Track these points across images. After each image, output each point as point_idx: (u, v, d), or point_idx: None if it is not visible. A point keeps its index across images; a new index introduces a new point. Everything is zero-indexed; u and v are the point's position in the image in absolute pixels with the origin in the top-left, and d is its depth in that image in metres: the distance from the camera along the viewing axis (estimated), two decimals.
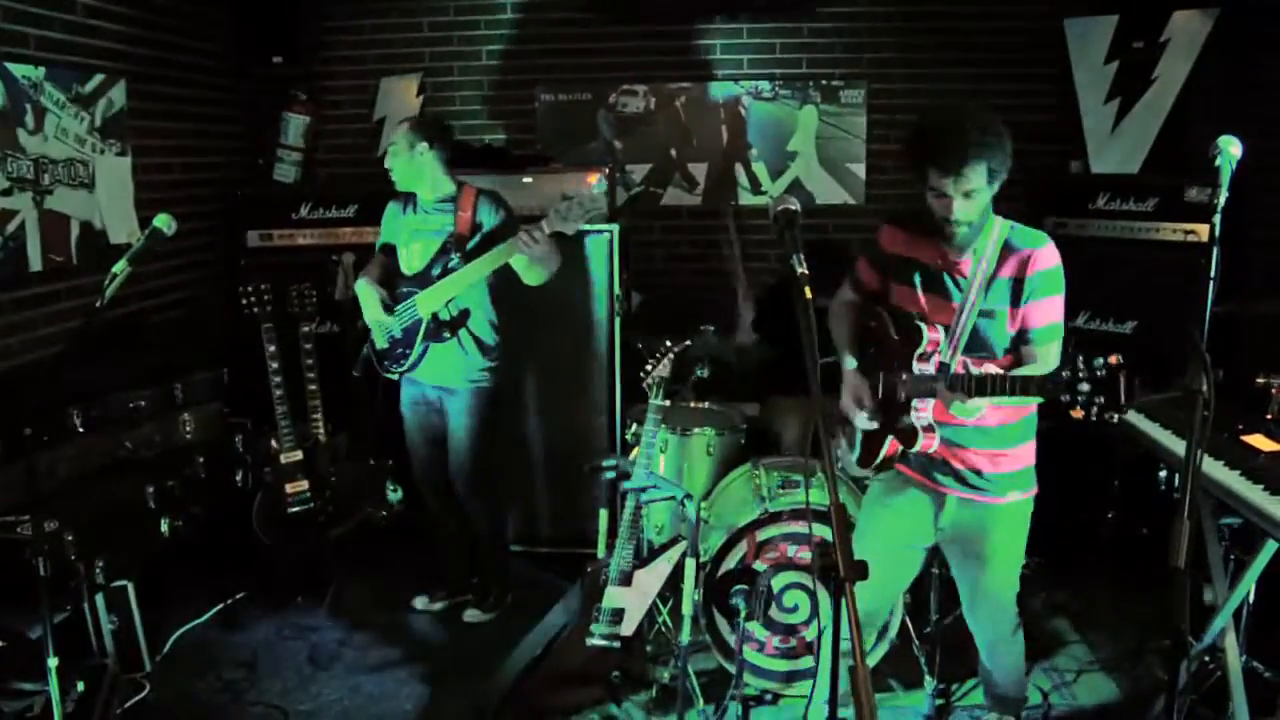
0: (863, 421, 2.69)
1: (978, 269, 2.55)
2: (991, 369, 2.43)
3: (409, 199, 3.85)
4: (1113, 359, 2.04)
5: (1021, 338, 2.57)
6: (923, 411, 2.56)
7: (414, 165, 3.71)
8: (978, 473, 2.66)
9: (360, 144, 5.56)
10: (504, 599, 4.13)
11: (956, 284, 2.60)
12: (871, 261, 2.83)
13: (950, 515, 2.72)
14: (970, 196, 2.44)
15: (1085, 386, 2.06)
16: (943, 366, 2.55)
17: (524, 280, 3.75)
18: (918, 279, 2.67)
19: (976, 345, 2.58)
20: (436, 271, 3.71)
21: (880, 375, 2.67)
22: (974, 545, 2.75)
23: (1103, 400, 2.05)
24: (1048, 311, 2.54)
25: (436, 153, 3.72)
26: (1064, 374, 2.10)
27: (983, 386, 2.32)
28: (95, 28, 4.24)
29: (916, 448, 2.56)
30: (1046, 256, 2.53)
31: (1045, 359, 2.53)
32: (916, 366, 2.55)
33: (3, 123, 3.73)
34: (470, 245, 3.71)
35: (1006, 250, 2.55)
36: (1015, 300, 2.54)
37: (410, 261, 3.82)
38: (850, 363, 2.78)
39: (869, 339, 2.79)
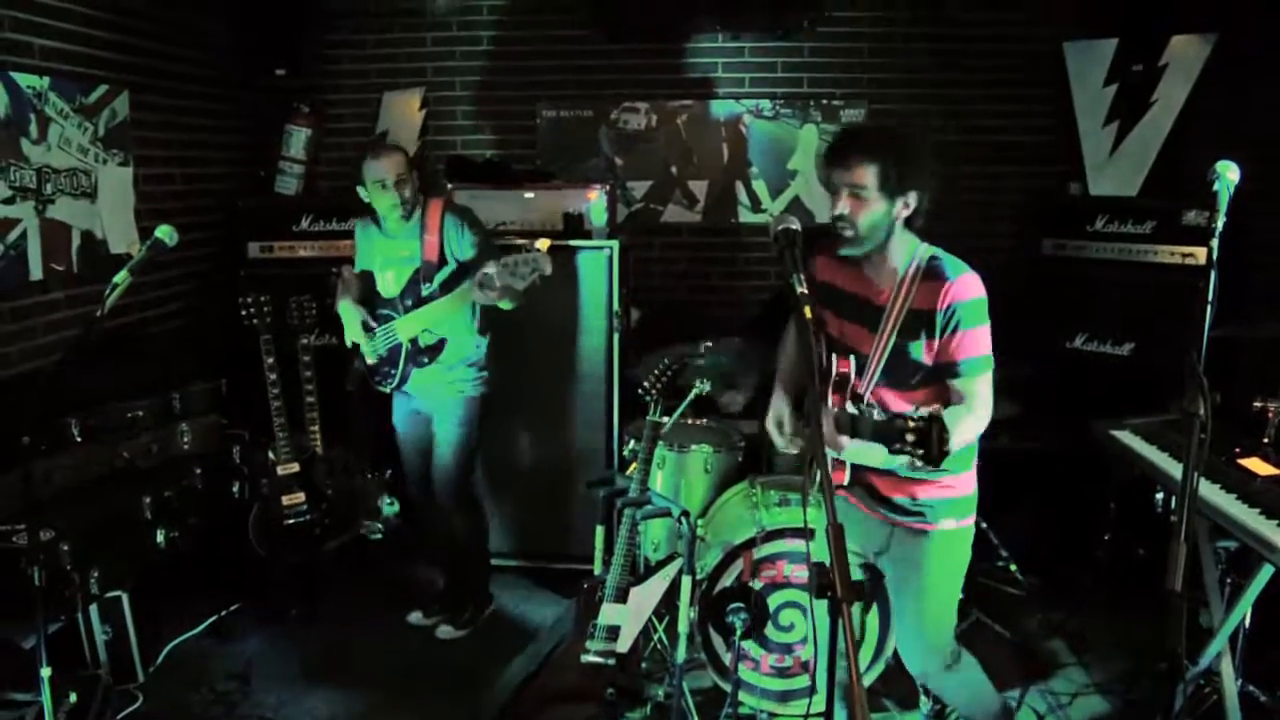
0: (781, 444, 2.73)
1: (896, 298, 2.51)
2: (876, 413, 2.37)
3: (376, 218, 3.83)
4: (934, 409, 2.03)
5: (947, 371, 2.49)
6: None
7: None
8: (912, 498, 2.62)
9: (362, 158, 5.56)
10: (479, 616, 4.12)
11: (875, 311, 2.56)
12: (809, 284, 2.83)
13: (891, 541, 2.69)
14: (859, 197, 2.43)
15: (910, 436, 2.02)
16: (856, 398, 2.55)
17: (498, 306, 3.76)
18: (841, 306, 2.66)
19: (891, 377, 2.56)
20: (410, 301, 3.72)
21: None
22: (906, 572, 2.70)
23: (920, 453, 2.01)
24: (969, 345, 2.45)
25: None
26: (896, 421, 2.05)
27: (854, 428, 2.33)
28: (99, 38, 4.26)
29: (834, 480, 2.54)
30: (962, 287, 2.44)
31: (970, 394, 2.46)
32: (831, 398, 2.54)
33: (6, 132, 3.74)
34: (441, 275, 3.71)
35: (925, 278, 2.49)
36: (930, 331, 2.47)
37: (385, 287, 3.83)
38: (775, 401, 2.80)
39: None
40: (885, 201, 2.44)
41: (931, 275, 2.48)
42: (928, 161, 2.46)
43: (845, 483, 2.58)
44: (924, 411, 2.01)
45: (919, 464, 2.05)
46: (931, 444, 1.97)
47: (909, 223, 2.53)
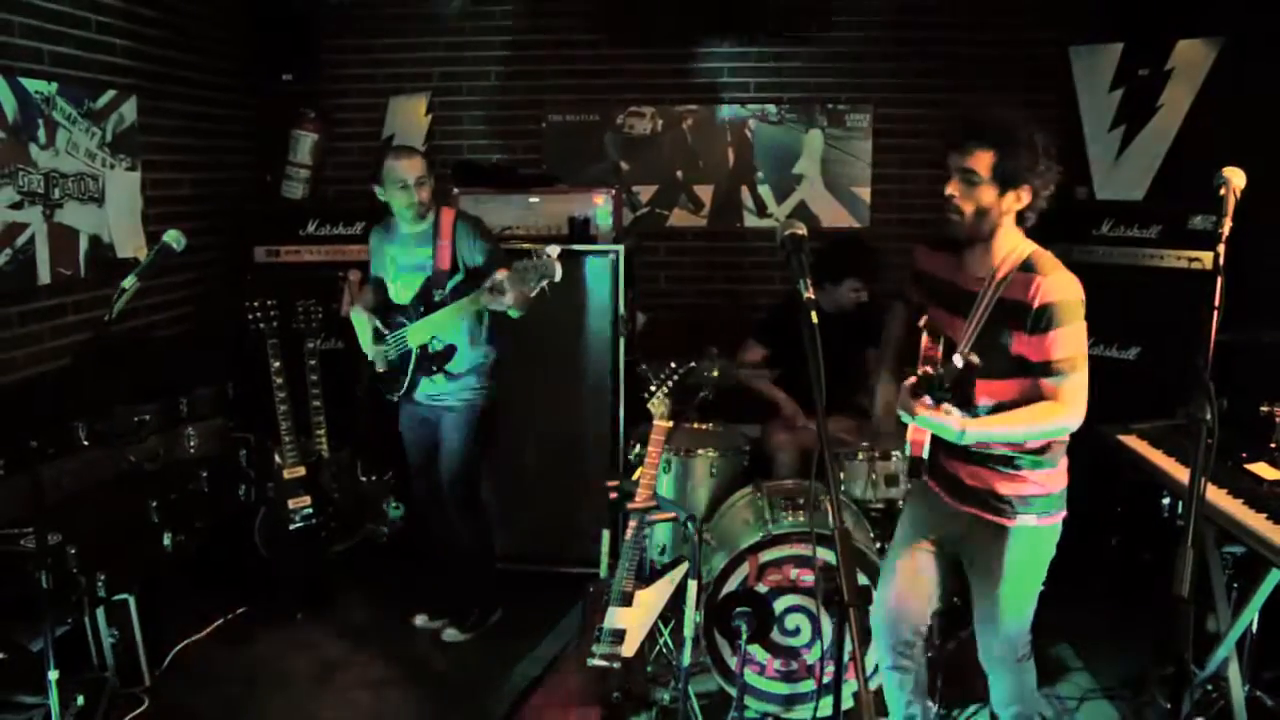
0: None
1: (989, 287, 2.54)
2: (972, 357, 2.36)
3: (390, 226, 3.87)
4: (969, 356, 2.16)
5: (1040, 370, 2.48)
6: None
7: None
8: (991, 490, 2.63)
9: (368, 162, 5.53)
10: (485, 620, 4.12)
11: (969, 300, 2.58)
12: (912, 276, 2.88)
13: (963, 529, 2.70)
14: (970, 182, 2.45)
15: (944, 382, 2.15)
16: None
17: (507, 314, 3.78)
18: (936, 294, 2.70)
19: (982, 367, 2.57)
20: (421, 308, 3.74)
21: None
22: (984, 566, 2.71)
23: (951, 396, 2.14)
24: (1060, 345, 2.43)
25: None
26: (938, 370, 2.20)
27: (913, 389, 2.37)
28: (108, 44, 4.28)
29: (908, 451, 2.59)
30: (1054, 287, 2.44)
31: (1060, 392, 2.45)
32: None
33: (15, 137, 3.76)
34: (452, 283, 3.73)
35: (1021, 270, 2.51)
36: (1021, 325, 2.47)
37: (397, 294, 3.86)
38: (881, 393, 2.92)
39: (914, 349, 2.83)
40: (995, 191, 2.46)
41: (1026, 269, 2.50)
42: (1044, 159, 2.46)
43: (924, 455, 2.58)
44: (959, 361, 2.09)
45: (955, 410, 2.14)
46: (960, 386, 2.09)
47: (1020, 218, 2.55)
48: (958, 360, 2.12)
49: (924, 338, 2.59)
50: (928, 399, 2.35)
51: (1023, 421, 2.48)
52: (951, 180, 2.50)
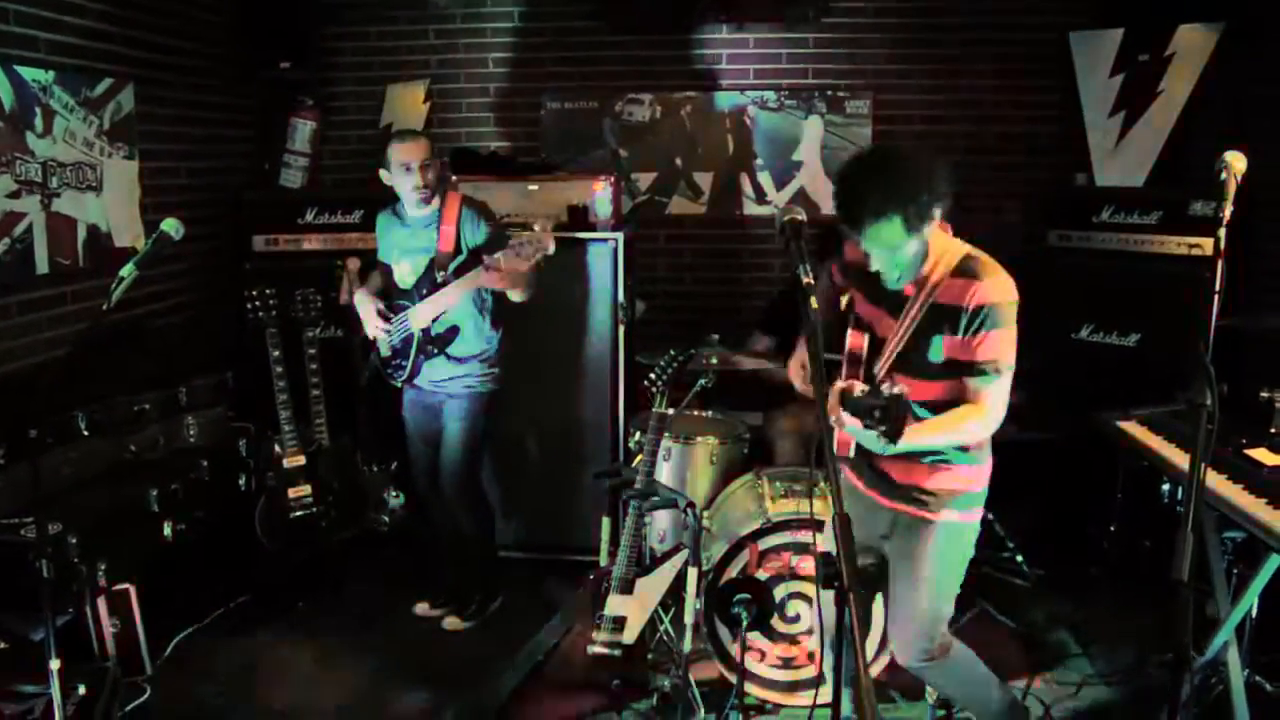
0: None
1: (921, 290, 2.51)
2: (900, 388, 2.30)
3: (396, 210, 3.88)
4: (897, 389, 2.07)
5: (965, 369, 2.48)
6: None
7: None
8: (917, 485, 2.63)
9: (366, 150, 5.57)
10: (486, 608, 4.13)
11: (901, 299, 2.56)
12: (840, 268, 2.86)
13: (895, 527, 2.71)
14: (894, 249, 2.40)
15: (875, 413, 2.07)
16: (869, 378, 2.55)
17: (507, 297, 3.79)
18: (868, 287, 2.66)
19: (909, 365, 2.55)
20: (425, 290, 3.74)
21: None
22: (906, 561, 2.69)
23: (882, 428, 2.07)
24: (991, 346, 2.43)
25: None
26: (867, 398, 2.12)
27: (844, 401, 2.26)
28: (104, 32, 4.26)
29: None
30: (989, 290, 2.42)
31: (982, 395, 2.45)
32: (844, 372, 2.60)
33: (11, 126, 3.75)
34: (455, 264, 3.74)
35: (956, 274, 2.47)
36: (954, 328, 2.46)
37: (402, 278, 3.86)
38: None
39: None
40: (910, 238, 2.39)
41: (962, 273, 2.46)
42: (940, 181, 2.39)
43: (850, 455, 2.58)
44: (893, 390, 2.05)
45: (883, 440, 2.09)
46: (891, 422, 2.04)
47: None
48: (886, 388, 2.07)
49: (851, 332, 2.58)
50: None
51: (944, 430, 2.49)
52: (871, 257, 2.45)
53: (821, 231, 4.30)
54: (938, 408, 2.52)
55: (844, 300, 2.75)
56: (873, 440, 2.37)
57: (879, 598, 3.17)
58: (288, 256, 5.05)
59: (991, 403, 2.45)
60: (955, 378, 2.51)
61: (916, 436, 2.38)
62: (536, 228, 3.45)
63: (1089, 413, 3.53)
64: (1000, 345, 2.44)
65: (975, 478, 2.66)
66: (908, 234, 2.36)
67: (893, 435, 2.06)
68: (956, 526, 2.66)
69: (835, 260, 2.88)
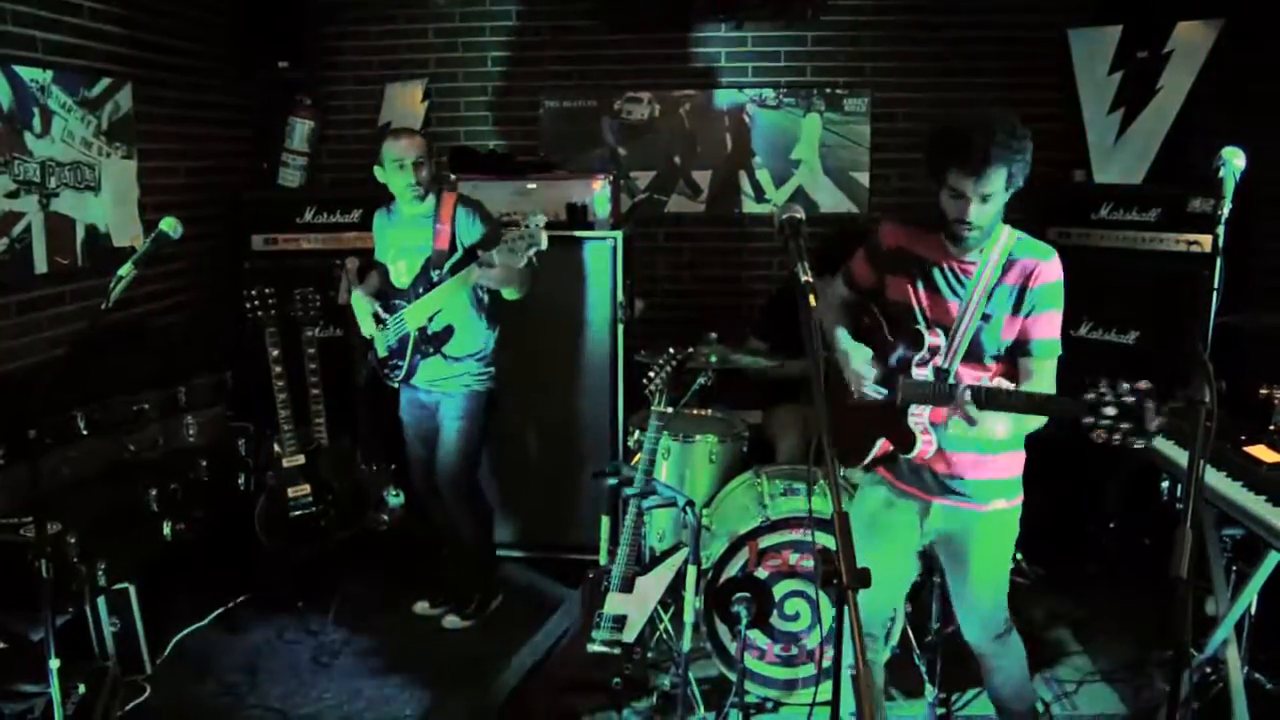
0: (872, 388, 2.64)
1: (983, 272, 2.53)
2: (1004, 384, 2.43)
3: (392, 209, 3.88)
4: (1141, 384, 2.01)
5: (1020, 349, 2.55)
6: (919, 417, 2.55)
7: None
8: (962, 479, 2.64)
9: (365, 149, 5.55)
10: (486, 607, 4.13)
11: (960, 283, 2.57)
12: (869, 256, 2.80)
13: (936, 521, 2.71)
14: (987, 201, 2.42)
15: (1111, 411, 2.03)
16: (940, 372, 2.54)
17: (502, 295, 3.78)
18: (918, 274, 2.65)
19: (971, 350, 2.57)
20: (420, 289, 3.74)
21: (879, 370, 2.65)
22: (959, 552, 2.73)
23: (1128, 427, 2.02)
24: (1049, 326, 2.52)
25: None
26: (1089, 396, 2.06)
27: (995, 401, 2.32)
28: (103, 31, 4.26)
29: (913, 453, 2.56)
30: (1051, 270, 2.51)
31: (1041, 374, 2.53)
32: (915, 371, 2.54)
33: (10, 126, 3.74)
34: (451, 262, 3.74)
35: (1011, 259, 2.52)
36: (1015, 309, 2.51)
37: (398, 277, 3.87)
38: (846, 338, 2.74)
39: (862, 337, 2.77)
40: (1004, 195, 2.44)
41: (1023, 252, 2.52)
42: (1031, 147, 2.42)
43: (929, 455, 2.59)
44: (1126, 384, 2.01)
45: (1115, 439, 2.04)
46: (1144, 420, 1.98)
47: None
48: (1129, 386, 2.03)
49: (928, 334, 2.53)
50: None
51: (1033, 410, 2.46)
52: (966, 204, 2.42)
53: (832, 234, 4.30)
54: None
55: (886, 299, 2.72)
56: (976, 432, 2.41)
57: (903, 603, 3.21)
58: (286, 256, 5.05)
59: (1052, 379, 2.52)
60: (1009, 359, 2.57)
61: (1017, 423, 2.48)
62: (530, 223, 3.44)
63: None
64: (1058, 323, 2.53)
65: (1016, 463, 2.69)
66: (1006, 189, 2.42)
67: (1145, 432, 1.98)
68: (1005, 513, 2.69)
69: (864, 249, 2.83)
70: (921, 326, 2.58)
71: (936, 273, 2.61)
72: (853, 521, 2.84)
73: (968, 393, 2.35)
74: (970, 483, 2.64)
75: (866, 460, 2.71)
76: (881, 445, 2.65)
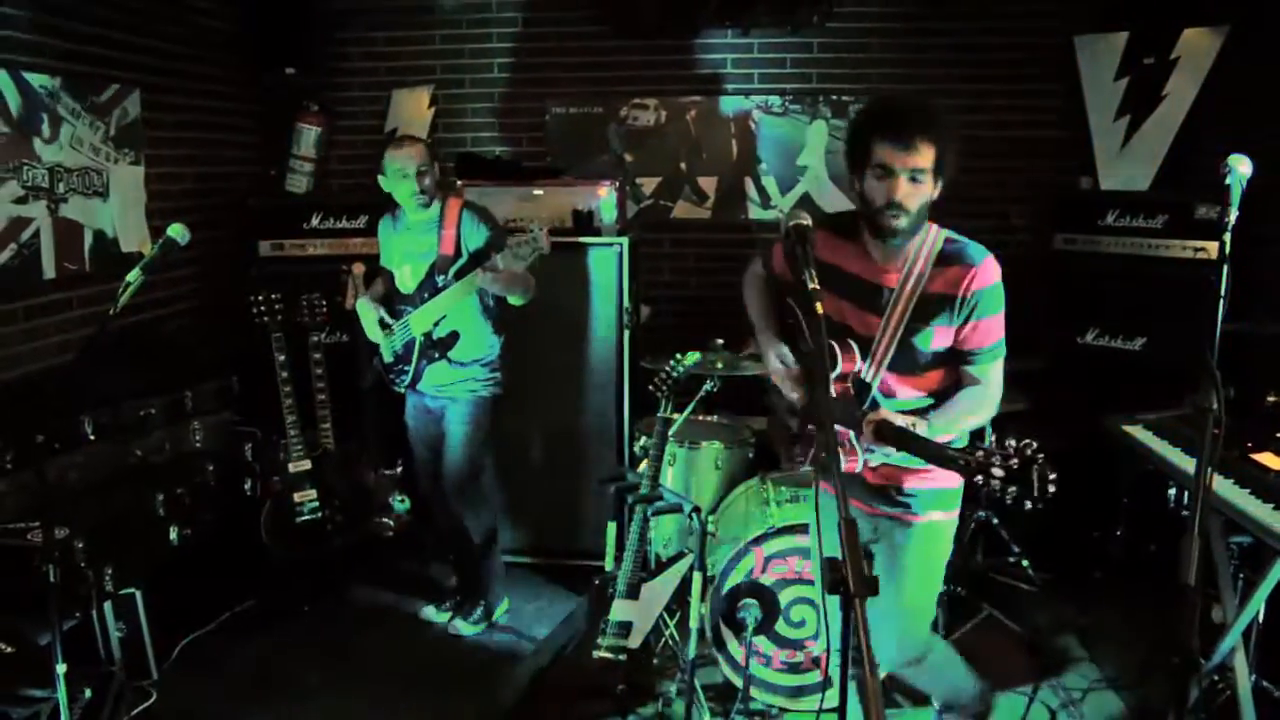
0: (788, 389, 2.60)
1: (907, 281, 2.43)
2: (921, 425, 2.26)
3: (397, 215, 3.88)
4: (1029, 447, 1.84)
5: (962, 358, 2.45)
6: (845, 435, 2.45)
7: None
8: (899, 489, 2.58)
9: (371, 155, 5.54)
10: (491, 612, 4.13)
11: (881, 294, 2.47)
12: (788, 256, 2.57)
13: (877, 533, 2.65)
14: (917, 180, 2.30)
15: (999, 473, 1.85)
16: (862, 385, 2.49)
17: (507, 300, 3.79)
18: (842, 286, 2.53)
19: (900, 361, 2.48)
20: (426, 295, 3.75)
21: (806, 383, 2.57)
22: (890, 565, 2.62)
23: (1014, 491, 1.87)
24: (990, 333, 2.41)
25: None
26: (978, 454, 1.89)
27: (903, 443, 2.21)
28: (111, 38, 4.28)
29: (843, 465, 2.39)
30: (986, 273, 2.37)
31: (987, 379, 2.45)
32: (834, 386, 2.44)
33: (19, 131, 3.76)
34: (456, 267, 3.74)
35: (941, 262, 2.41)
36: (950, 316, 2.40)
37: (403, 282, 3.87)
38: (770, 343, 2.70)
39: (787, 336, 2.70)
40: (931, 183, 2.33)
41: (951, 259, 2.40)
42: (959, 144, 2.35)
43: (857, 470, 2.49)
44: (1017, 443, 1.84)
45: (1009, 498, 1.99)
46: (1032, 485, 1.81)
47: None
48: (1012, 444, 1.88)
49: (841, 352, 2.43)
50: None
51: (962, 418, 2.42)
52: (895, 183, 2.31)
53: (793, 231, 4.27)
54: (937, 399, 2.50)
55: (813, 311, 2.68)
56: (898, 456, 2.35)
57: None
58: (293, 261, 5.06)
59: (998, 382, 2.46)
60: (949, 365, 2.48)
61: (944, 433, 2.34)
62: (533, 229, 3.46)
63: (1094, 417, 3.53)
64: (1000, 326, 2.42)
65: (953, 475, 2.62)
66: (935, 176, 2.32)
67: (1038, 497, 1.83)
68: (938, 525, 2.62)
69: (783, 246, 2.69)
70: (836, 344, 2.43)
71: (859, 283, 2.52)
72: (823, 526, 2.84)
73: (870, 432, 2.26)
74: (908, 492, 2.58)
75: (805, 461, 2.65)
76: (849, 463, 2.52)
